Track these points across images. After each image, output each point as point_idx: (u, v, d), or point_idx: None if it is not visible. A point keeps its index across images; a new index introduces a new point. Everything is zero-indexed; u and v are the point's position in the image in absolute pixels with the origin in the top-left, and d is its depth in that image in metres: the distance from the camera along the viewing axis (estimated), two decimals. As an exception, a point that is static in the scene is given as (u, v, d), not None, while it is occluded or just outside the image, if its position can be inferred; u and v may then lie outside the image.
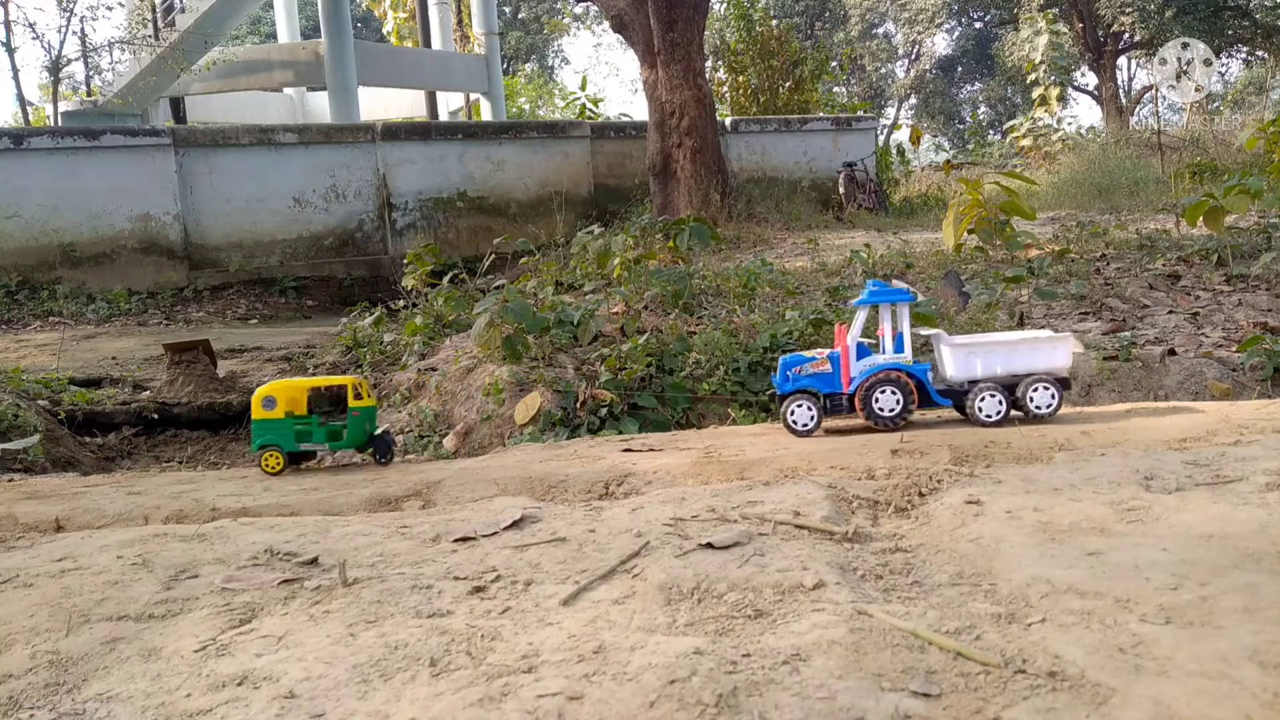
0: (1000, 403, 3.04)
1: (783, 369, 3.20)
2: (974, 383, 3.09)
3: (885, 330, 3.18)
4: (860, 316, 3.18)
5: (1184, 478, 2.19)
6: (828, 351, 3.20)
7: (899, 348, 3.15)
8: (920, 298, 3.51)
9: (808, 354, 3.25)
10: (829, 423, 3.27)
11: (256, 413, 3.22)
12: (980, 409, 3.04)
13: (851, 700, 1.20)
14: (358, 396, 3.27)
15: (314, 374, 6.39)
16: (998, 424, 3.03)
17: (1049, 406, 3.05)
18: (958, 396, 3.11)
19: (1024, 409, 3.06)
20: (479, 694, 1.27)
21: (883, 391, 3.08)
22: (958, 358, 3.13)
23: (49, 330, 8.90)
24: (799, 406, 3.14)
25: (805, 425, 3.14)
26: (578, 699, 1.23)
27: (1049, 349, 3.12)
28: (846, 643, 1.37)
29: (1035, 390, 3.05)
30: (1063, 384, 3.09)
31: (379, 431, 3.41)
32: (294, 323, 10.18)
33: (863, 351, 3.16)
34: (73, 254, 10.72)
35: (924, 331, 3.33)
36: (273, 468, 3.21)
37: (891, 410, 3.08)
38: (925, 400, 3.12)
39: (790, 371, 3.18)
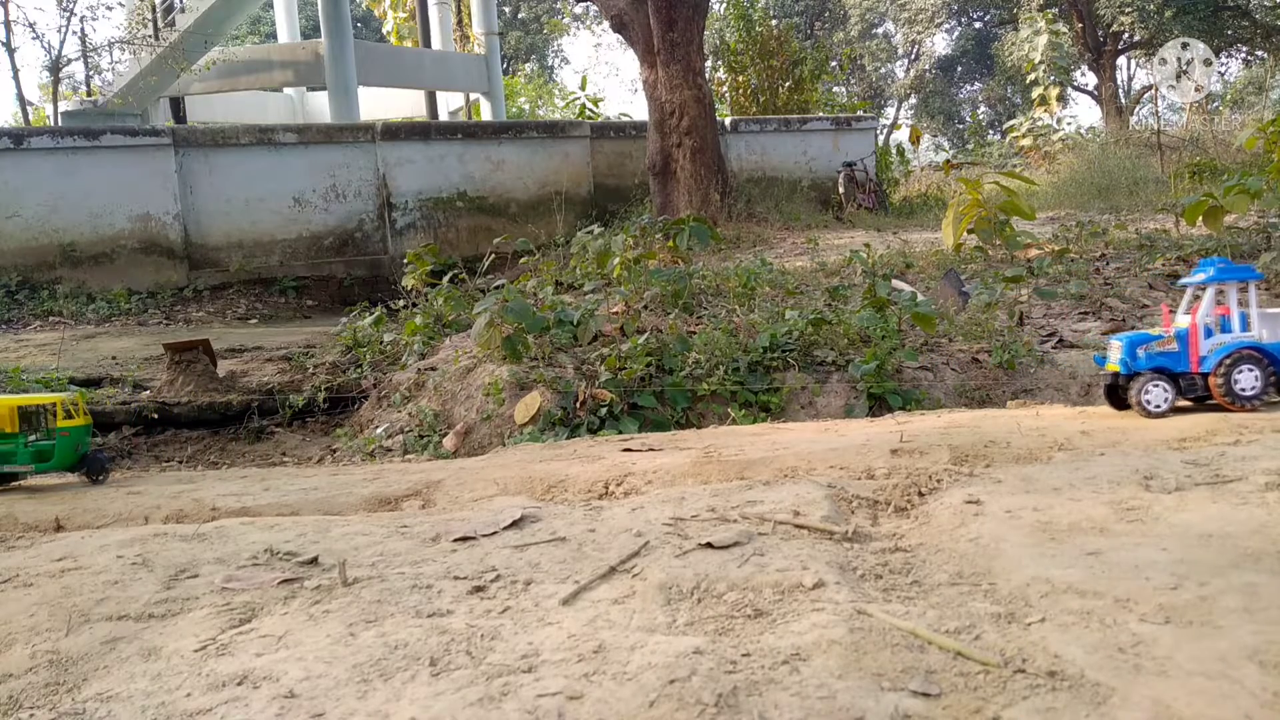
0: None
1: (1129, 347, 3.03)
2: None
3: (1232, 308, 3.03)
4: (1208, 294, 3.04)
5: (1183, 477, 2.19)
6: (1173, 329, 3.05)
7: (1244, 327, 3.01)
8: (1263, 276, 3.37)
9: (1152, 331, 3.10)
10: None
11: None
12: None
13: (851, 700, 1.20)
14: (68, 415, 3.17)
15: (312, 374, 6.39)
16: None
17: None
18: None
19: None
20: (479, 694, 1.27)
21: (1242, 371, 2.94)
22: None
23: (49, 330, 8.90)
24: (1154, 386, 2.98)
25: (1160, 406, 2.98)
26: (578, 699, 1.23)
27: None
28: (846, 642, 1.37)
29: None
30: None
31: (93, 450, 3.33)
32: (294, 323, 10.18)
33: (1205, 332, 3.03)
34: (73, 254, 10.72)
35: (1271, 311, 3.14)
36: None
37: (1253, 389, 2.93)
38: (1278, 380, 2.98)
39: (1140, 350, 3.01)
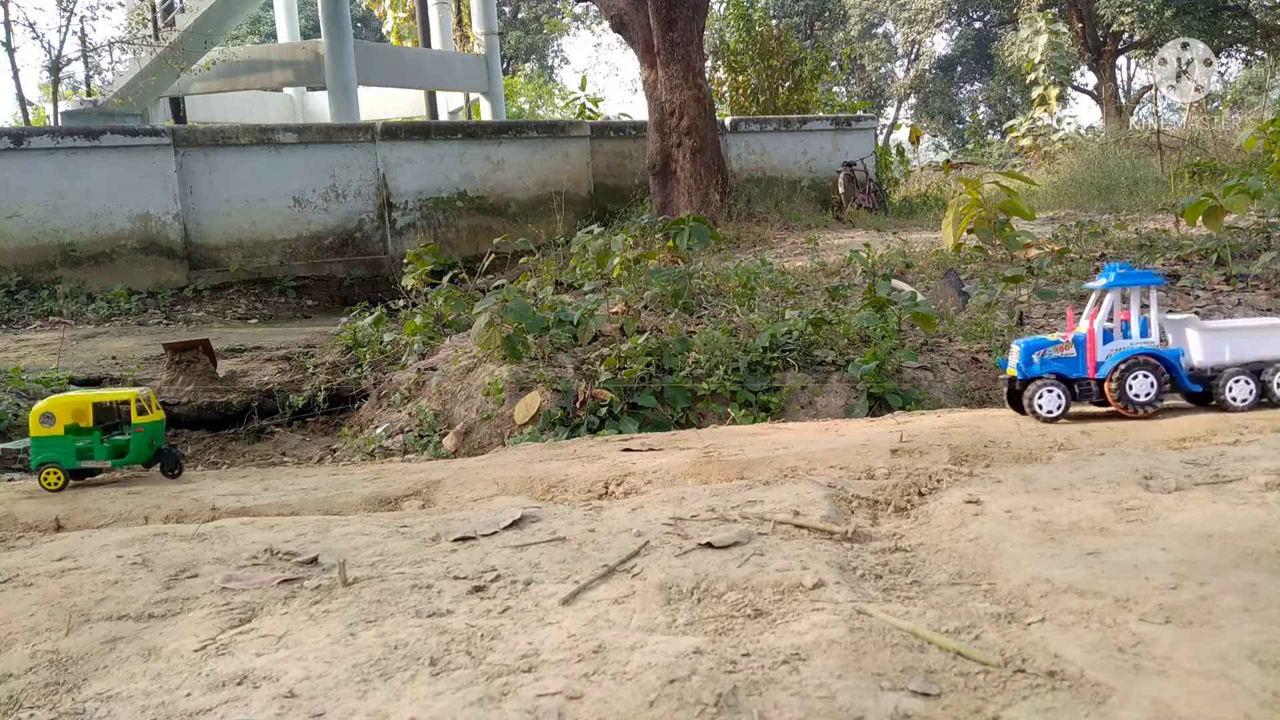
0: (1251, 389, 2.96)
1: (1025, 353, 3.08)
2: (1219, 369, 3.00)
3: (1133, 314, 3.07)
4: (1108, 300, 3.07)
5: (1183, 477, 2.19)
6: (1070, 334, 3.09)
7: (1144, 332, 3.06)
8: (1164, 282, 3.42)
9: (1050, 336, 3.13)
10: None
11: (34, 429, 3.15)
12: (1231, 395, 2.96)
13: (851, 699, 1.20)
14: (142, 411, 3.21)
15: (312, 374, 6.39)
16: (1247, 409, 2.94)
17: None
18: (1205, 383, 3.02)
19: (1269, 395, 2.98)
20: (479, 693, 1.27)
21: (1136, 377, 2.97)
22: (1207, 343, 3.04)
23: (49, 330, 8.90)
24: (1048, 391, 3.02)
25: (1052, 411, 3.02)
26: (577, 698, 1.23)
27: None
28: (846, 642, 1.37)
29: None
30: None
31: (166, 446, 3.37)
32: (294, 322, 10.17)
33: (1105, 337, 3.06)
34: (73, 254, 10.72)
35: (1173, 316, 3.22)
36: (53, 485, 3.13)
37: (1147, 395, 2.97)
38: (1174, 386, 3.02)
39: (1035, 355, 3.06)
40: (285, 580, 1.86)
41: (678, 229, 6.98)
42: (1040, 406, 3.03)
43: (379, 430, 4.96)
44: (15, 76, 35.05)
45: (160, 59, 18.06)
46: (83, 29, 19.69)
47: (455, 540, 2.09)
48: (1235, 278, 6.09)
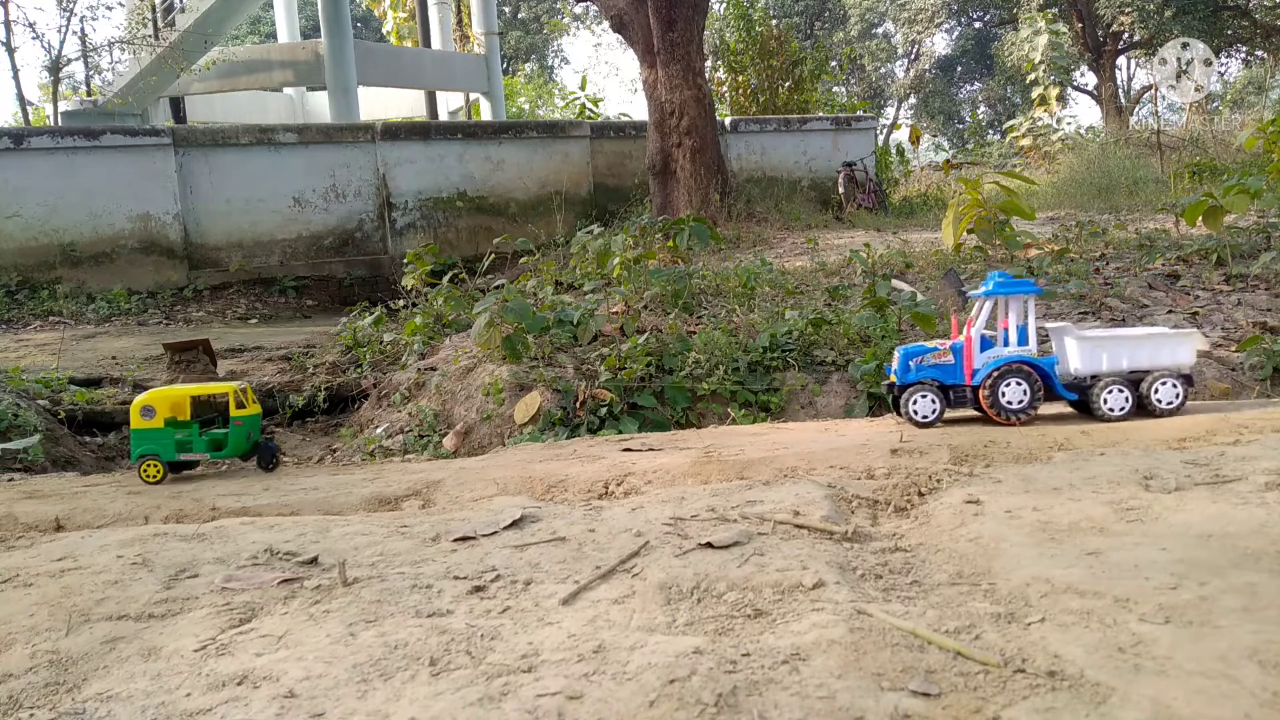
0: (1127, 398, 2.99)
1: (903, 359, 3.12)
2: (1096, 377, 3.04)
3: (1010, 322, 3.11)
4: (985, 308, 3.11)
5: (1183, 477, 2.19)
6: (949, 342, 3.13)
7: (1022, 340, 3.09)
8: (1041, 291, 3.47)
9: (929, 344, 3.17)
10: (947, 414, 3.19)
11: (135, 422, 3.20)
12: (1106, 403, 2.99)
13: (851, 699, 1.20)
14: (240, 405, 3.24)
15: (312, 374, 6.39)
16: (1123, 419, 2.97)
17: (1172, 402, 2.99)
18: (1081, 391, 3.06)
19: (1148, 405, 3.00)
20: (479, 693, 1.27)
21: (1009, 384, 3.01)
22: (1083, 351, 3.07)
23: (49, 330, 8.89)
24: (922, 397, 3.07)
25: (927, 416, 3.07)
26: (577, 698, 1.23)
27: (1173, 345, 3.07)
28: (846, 642, 1.37)
29: (1160, 386, 2.99)
30: (1187, 380, 3.03)
31: (263, 439, 3.41)
32: (294, 322, 10.17)
33: (984, 344, 3.10)
34: (73, 254, 10.71)
35: (1050, 325, 3.27)
36: (152, 477, 3.18)
37: (1020, 403, 3.01)
38: (1050, 394, 3.05)
39: (912, 362, 3.11)
40: (285, 580, 1.86)
41: (678, 229, 6.98)
42: (915, 412, 3.09)
43: (379, 430, 4.96)
44: (15, 76, 35.05)
45: (160, 59, 18.07)
46: (83, 29, 19.71)
47: (455, 540, 2.09)
48: (1235, 278, 6.09)
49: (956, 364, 3.10)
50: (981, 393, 3.04)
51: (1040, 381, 3.02)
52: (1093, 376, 3.06)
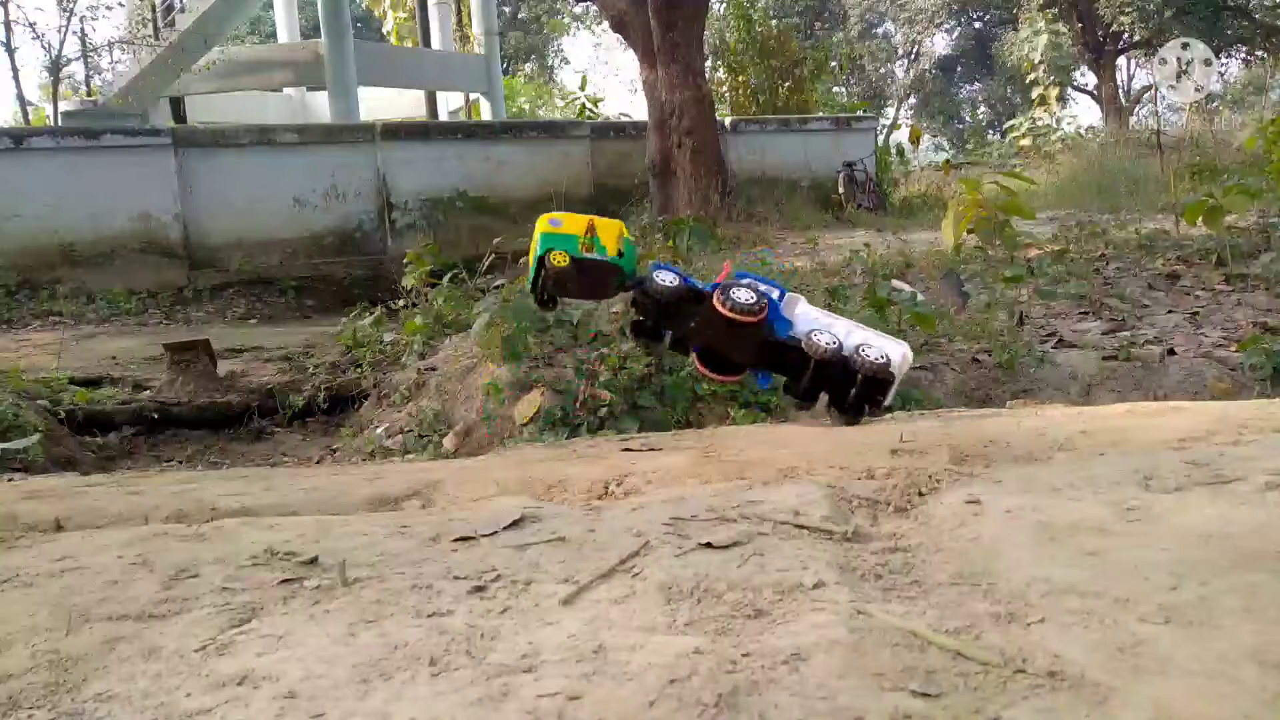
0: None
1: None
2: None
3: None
4: None
5: (1184, 477, 2.19)
6: None
7: None
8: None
9: None
10: None
11: (543, 228, 3.26)
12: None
13: (851, 700, 1.20)
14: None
15: (312, 374, 6.39)
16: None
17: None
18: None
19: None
20: (479, 694, 1.27)
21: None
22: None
23: (49, 330, 8.89)
24: None
25: None
26: (578, 699, 1.23)
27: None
28: (846, 642, 1.37)
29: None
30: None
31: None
32: (294, 322, 10.17)
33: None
34: (73, 254, 10.71)
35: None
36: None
37: None
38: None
39: None
40: (285, 580, 1.86)
41: (678, 229, 6.99)
42: None
43: (379, 430, 4.96)
44: (15, 76, 35.08)
45: (160, 59, 18.07)
46: (83, 29, 19.62)
47: (455, 540, 2.09)
48: (1235, 278, 6.09)
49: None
50: None
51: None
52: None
